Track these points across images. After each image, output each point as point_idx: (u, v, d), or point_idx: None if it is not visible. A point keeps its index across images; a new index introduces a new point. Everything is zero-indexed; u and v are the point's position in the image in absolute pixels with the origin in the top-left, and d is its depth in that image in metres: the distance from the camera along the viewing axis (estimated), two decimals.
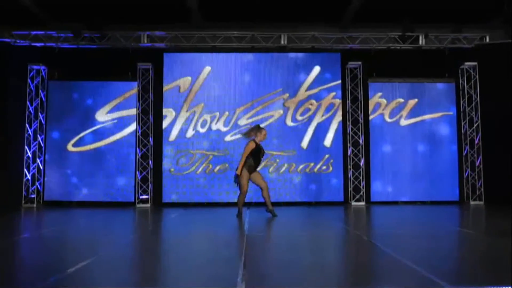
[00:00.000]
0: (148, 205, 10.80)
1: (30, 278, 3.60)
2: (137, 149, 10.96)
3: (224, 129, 11.09)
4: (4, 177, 10.56)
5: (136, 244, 5.55)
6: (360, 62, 11.10)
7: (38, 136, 11.04)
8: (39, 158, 11.02)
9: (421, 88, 11.37)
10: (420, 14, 10.31)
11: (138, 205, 10.76)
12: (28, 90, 11.00)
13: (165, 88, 11.15)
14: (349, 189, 11.03)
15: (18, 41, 10.66)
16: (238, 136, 9.31)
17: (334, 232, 6.47)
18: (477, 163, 11.08)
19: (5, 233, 6.41)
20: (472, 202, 10.92)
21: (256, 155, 7.74)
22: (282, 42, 10.85)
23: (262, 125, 8.87)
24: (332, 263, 4.24)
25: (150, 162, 10.96)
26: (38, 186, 10.96)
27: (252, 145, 7.70)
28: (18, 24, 10.63)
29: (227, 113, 11.11)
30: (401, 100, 11.32)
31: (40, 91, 11.11)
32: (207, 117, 11.10)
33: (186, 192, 10.95)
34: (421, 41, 10.90)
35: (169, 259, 4.53)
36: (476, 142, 11.13)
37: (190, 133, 11.07)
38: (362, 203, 10.89)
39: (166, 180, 10.96)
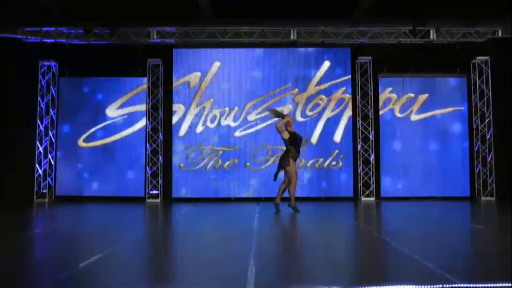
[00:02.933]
0: (158, 200, 10.86)
1: (43, 272, 3.64)
2: (147, 144, 11.01)
3: (233, 124, 11.09)
4: (16, 172, 10.68)
5: (147, 239, 5.59)
6: (370, 57, 11.03)
7: (50, 131, 11.13)
8: (50, 154, 11.11)
9: (432, 83, 11.27)
10: (431, 8, 10.19)
11: (148, 200, 10.82)
12: (39, 86, 11.09)
13: (175, 83, 11.17)
14: (359, 185, 10.98)
15: (29, 37, 10.72)
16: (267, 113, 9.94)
17: (345, 228, 6.46)
18: (489, 159, 10.97)
19: (18, 228, 6.48)
20: (483, 198, 10.82)
21: (294, 142, 7.82)
22: (292, 37, 10.80)
23: (273, 120, 8.89)
24: (344, 260, 4.23)
25: (160, 158, 11.01)
26: (50, 181, 11.07)
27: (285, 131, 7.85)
28: (30, 20, 10.68)
29: (236, 108, 11.12)
30: (412, 95, 11.23)
31: (51, 87, 11.19)
32: (217, 112, 11.11)
33: (196, 187, 10.98)
34: (432, 35, 10.79)
35: (178, 255, 4.56)
36: (487, 137, 11.02)
37: (199, 128, 11.09)
38: (372, 198, 10.84)
39: (176, 175, 11.00)
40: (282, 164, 7.80)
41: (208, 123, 11.10)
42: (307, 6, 10.32)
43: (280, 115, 8.21)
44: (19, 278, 3.39)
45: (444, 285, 2.95)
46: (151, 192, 10.94)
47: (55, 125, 11.19)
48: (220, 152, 11.04)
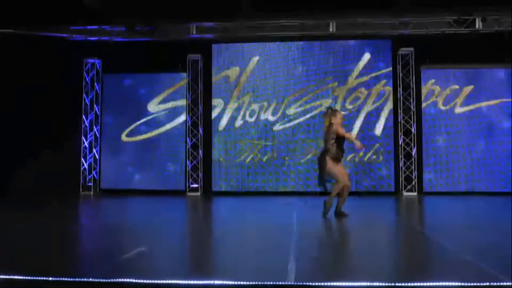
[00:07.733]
0: (198, 193, 11.02)
1: (90, 261, 3.77)
2: (187, 139, 11.18)
3: (272, 118, 11.09)
4: (63, 166, 11.07)
5: (188, 232, 5.68)
6: (412, 48, 10.75)
7: (94, 126, 11.49)
8: (95, 148, 11.48)
9: (477, 74, 10.87)
10: None
11: (188, 194, 11.00)
12: (84, 83, 11.47)
13: (214, 78, 11.27)
14: (401, 179, 10.76)
15: (74, 36, 11.06)
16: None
17: (387, 224, 6.35)
18: None
19: (67, 220, 6.74)
20: None
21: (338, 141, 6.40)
22: (331, 30, 10.66)
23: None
24: (388, 256, 4.17)
25: (200, 152, 11.16)
26: (95, 175, 11.43)
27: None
28: (74, 19, 11.00)
29: (275, 102, 11.10)
30: (456, 86, 10.88)
31: (95, 83, 11.54)
32: (256, 106, 11.14)
33: (235, 181, 11.06)
34: (478, 24, 10.39)
35: (219, 248, 4.61)
36: None
37: (238, 122, 11.15)
38: (414, 193, 10.60)
39: (215, 169, 11.11)
40: (321, 164, 6.45)
41: (247, 117, 11.14)
42: None
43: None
44: (65, 266, 3.52)
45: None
46: (191, 185, 11.11)
47: (99, 120, 11.53)
48: (259, 146, 11.07)
